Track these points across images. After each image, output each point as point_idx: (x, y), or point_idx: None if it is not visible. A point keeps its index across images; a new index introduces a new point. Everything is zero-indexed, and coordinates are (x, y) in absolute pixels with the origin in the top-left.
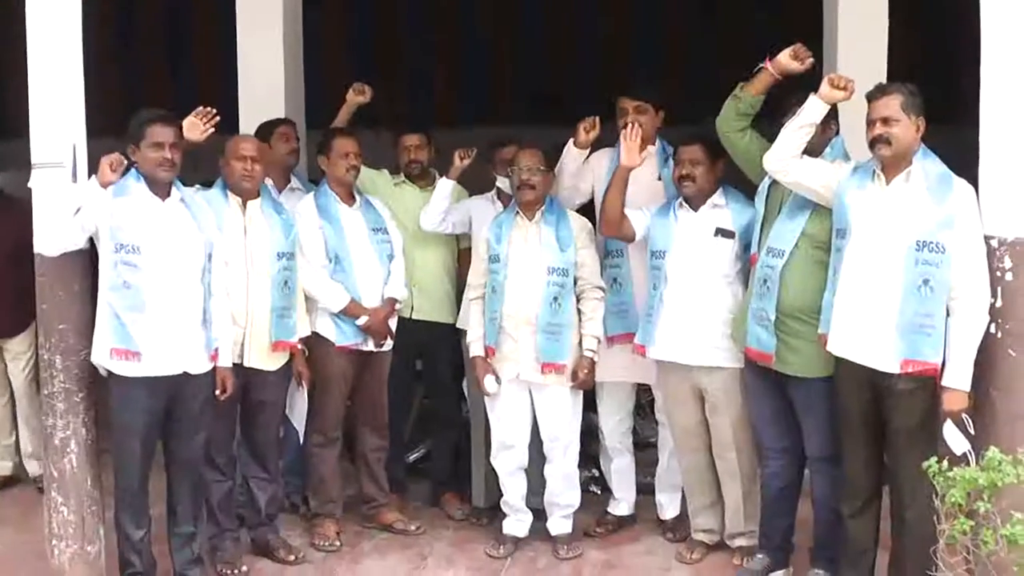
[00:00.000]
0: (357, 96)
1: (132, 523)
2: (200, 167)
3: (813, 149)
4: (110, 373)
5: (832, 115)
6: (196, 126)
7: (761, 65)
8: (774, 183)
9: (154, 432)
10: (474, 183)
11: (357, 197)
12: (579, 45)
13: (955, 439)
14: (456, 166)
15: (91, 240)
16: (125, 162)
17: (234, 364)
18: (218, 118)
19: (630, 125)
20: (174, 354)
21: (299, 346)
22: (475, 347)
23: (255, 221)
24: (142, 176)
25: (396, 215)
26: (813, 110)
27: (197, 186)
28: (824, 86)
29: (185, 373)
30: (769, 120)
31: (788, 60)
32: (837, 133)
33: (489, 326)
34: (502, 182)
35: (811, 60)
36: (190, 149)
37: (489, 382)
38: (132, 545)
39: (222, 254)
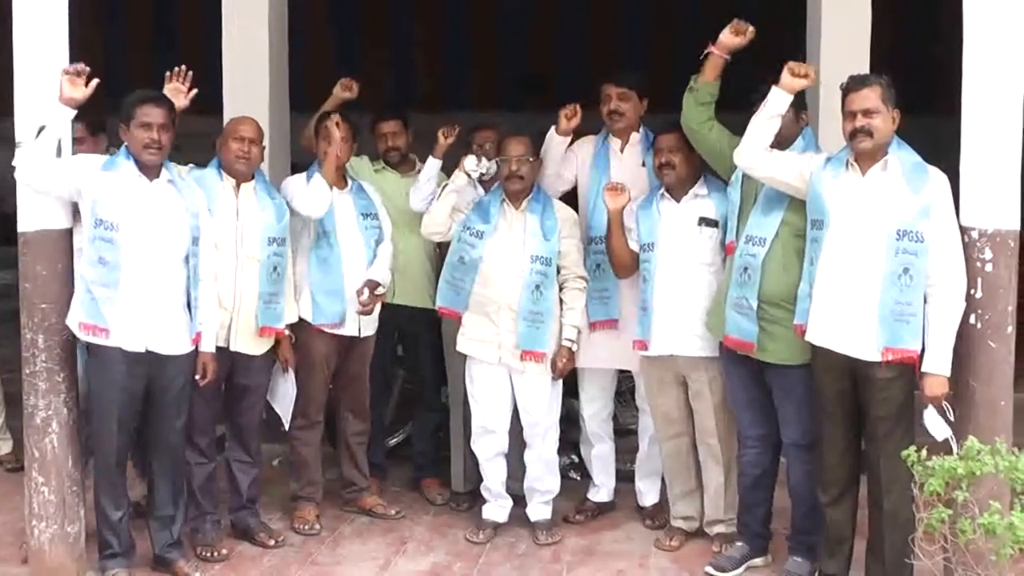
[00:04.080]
0: (344, 92)
1: (111, 504)
2: (183, 147)
3: (783, 141)
4: (88, 350)
5: (802, 106)
6: (179, 91)
7: (707, 51)
8: None
9: (132, 413)
10: (454, 167)
11: (349, 181)
12: (564, 29)
13: (936, 425)
14: (440, 144)
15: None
16: (87, 70)
17: (219, 348)
18: (191, 73)
19: (616, 188)
20: (146, 333)
21: (285, 332)
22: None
23: (248, 204)
24: (132, 156)
25: None
26: (776, 101)
27: (191, 166)
28: (785, 75)
29: (163, 355)
30: (738, 111)
31: (730, 37)
32: (807, 124)
33: (457, 295)
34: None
35: (752, 30)
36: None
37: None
38: (111, 526)
39: (211, 237)
